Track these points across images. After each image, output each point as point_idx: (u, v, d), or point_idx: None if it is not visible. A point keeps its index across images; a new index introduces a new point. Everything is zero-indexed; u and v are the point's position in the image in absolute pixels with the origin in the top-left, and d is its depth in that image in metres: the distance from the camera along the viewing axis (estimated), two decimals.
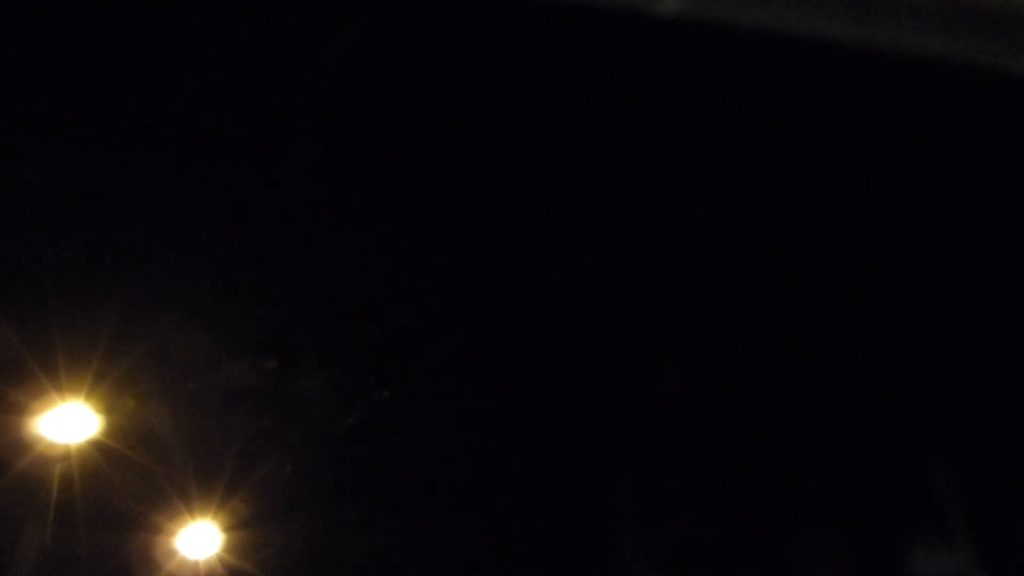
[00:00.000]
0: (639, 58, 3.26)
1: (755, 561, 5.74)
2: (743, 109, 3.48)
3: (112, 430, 4.01)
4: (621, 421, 5.21)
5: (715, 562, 5.60)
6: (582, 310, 4.54)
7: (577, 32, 3.19)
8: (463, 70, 3.42)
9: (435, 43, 3.25)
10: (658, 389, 5.12)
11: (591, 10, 2.88)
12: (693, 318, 4.81)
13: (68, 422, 3.88)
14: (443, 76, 3.42)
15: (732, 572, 5.62)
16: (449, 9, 3.13)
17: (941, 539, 5.48)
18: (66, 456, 3.98)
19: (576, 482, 5.80)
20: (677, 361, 4.97)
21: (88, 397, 3.86)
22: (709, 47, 3.00)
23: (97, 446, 4.05)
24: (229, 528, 4.79)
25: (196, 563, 4.88)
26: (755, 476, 5.46)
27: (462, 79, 3.46)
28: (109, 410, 3.95)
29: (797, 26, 2.26)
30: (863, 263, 4.16)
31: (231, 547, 4.88)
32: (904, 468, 5.41)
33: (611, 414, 5.16)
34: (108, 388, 3.88)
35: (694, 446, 5.26)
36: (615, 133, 3.70)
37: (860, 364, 4.91)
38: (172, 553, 4.78)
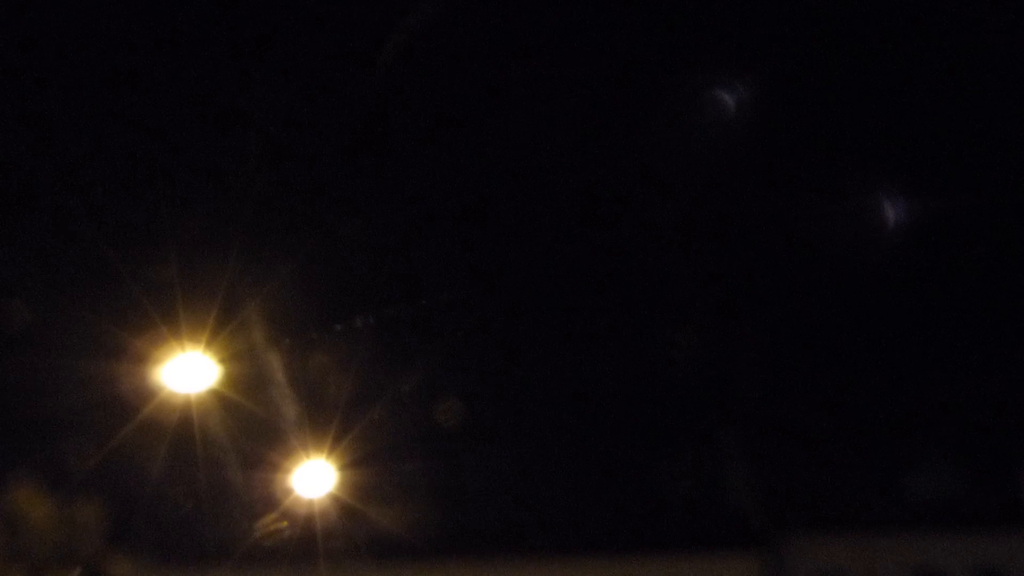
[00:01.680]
0: None
1: None
2: None
3: (230, 377, 4.17)
4: None
5: None
6: None
7: None
8: None
9: None
10: None
11: None
12: None
13: (189, 370, 4.03)
14: None
15: None
16: None
17: None
18: (187, 401, 4.16)
19: None
20: None
21: (207, 347, 4.01)
22: None
23: (216, 392, 4.22)
24: (342, 468, 4.94)
25: (310, 501, 5.05)
26: None
27: None
28: (227, 359, 4.09)
29: None
30: None
31: (343, 486, 5.04)
32: None
33: None
34: (225, 339, 4.03)
35: None
36: None
37: None
38: (287, 491, 4.96)
